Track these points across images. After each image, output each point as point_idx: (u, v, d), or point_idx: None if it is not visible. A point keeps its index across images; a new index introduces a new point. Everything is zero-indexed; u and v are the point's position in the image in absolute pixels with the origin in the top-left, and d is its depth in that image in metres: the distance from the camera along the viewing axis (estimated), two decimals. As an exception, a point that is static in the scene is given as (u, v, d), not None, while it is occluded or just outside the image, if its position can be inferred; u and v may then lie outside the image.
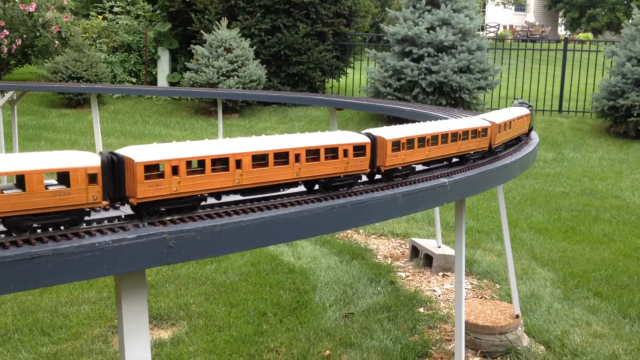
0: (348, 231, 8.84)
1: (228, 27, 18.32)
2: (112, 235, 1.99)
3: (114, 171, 2.15)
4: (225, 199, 2.45)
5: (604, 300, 6.56)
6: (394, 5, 30.41)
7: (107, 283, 6.70)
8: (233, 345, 5.55)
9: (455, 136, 3.37)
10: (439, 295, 6.79)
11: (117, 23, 22.06)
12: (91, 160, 2.08)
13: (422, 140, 3.14)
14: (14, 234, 1.93)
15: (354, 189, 2.83)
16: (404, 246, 8.43)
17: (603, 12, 46.39)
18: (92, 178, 2.05)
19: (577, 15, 47.36)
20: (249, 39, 18.56)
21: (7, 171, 1.91)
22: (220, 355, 5.39)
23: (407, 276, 7.36)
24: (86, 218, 2.10)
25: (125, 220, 2.20)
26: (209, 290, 6.72)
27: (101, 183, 2.08)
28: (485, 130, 3.63)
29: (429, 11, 16.51)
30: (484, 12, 48.46)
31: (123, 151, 2.20)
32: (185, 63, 19.14)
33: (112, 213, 2.27)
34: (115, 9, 22.83)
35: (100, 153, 2.16)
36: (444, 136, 3.29)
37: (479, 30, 19.32)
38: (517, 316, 5.70)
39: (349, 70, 21.58)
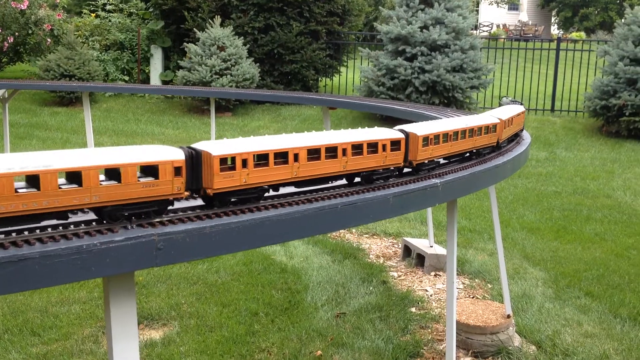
0: (340, 230, 8.84)
1: (221, 25, 18.28)
2: (99, 237, 1.97)
3: (193, 164, 2.34)
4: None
5: (595, 300, 6.58)
6: (387, 4, 30.41)
7: (97, 283, 6.67)
8: (224, 345, 5.53)
9: (472, 132, 3.58)
10: (430, 295, 6.79)
11: (110, 21, 21.99)
12: (177, 154, 2.28)
13: (446, 136, 3.33)
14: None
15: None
16: (396, 246, 8.43)
17: (596, 12, 46.54)
18: (177, 171, 2.26)
19: (570, 15, 47.51)
20: (242, 37, 18.53)
21: (104, 164, 2.10)
22: (212, 355, 5.37)
23: (399, 276, 7.36)
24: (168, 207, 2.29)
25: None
26: (200, 290, 6.70)
27: (185, 175, 2.29)
28: (494, 126, 3.82)
29: (422, 10, 16.52)
30: (477, 11, 48.52)
31: (199, 145, 2.41)
32: (179, 61, 19.09)
33: (184, 204, 2.42)
34: (108, 7, 22.75)
35: (181, 147, 2.35)
36: (463, 132, 3.49)
37: (472, 29, 19.35)
38: (508, 316, 5.71)
39: (343, 69, 21.58)
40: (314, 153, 2.70)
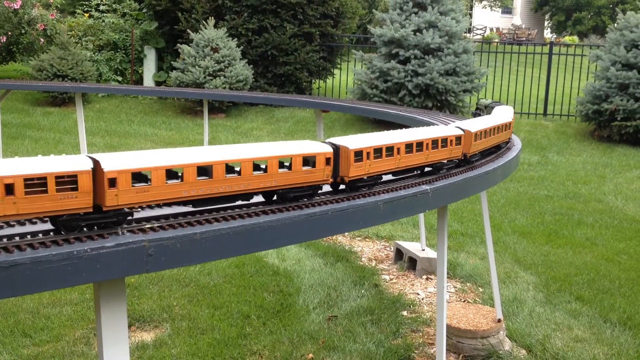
0: (333, 233, 8.83)
1: (215, 26, 18.28)
2: (90, 243, 1.98)
3: (333, 156, 2.82)
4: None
5: (586, 305, 6.61)
6: (380, 6, 30.47)
7: (89, 285, 6.65)
8: (216, 348, 5.54)
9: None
10: (422, 299, 6.81)
11: (104, 21, 21.95)
12: (327, 148, 2.80)
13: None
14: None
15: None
16: (388, 249, 8.45)
17: (589, 16, 46.76)
18: (327, 161, 2.76)
19: (563, 19, 47.72)
20: (236, 38, 18.53)
21: (278, 155, 2.58)
22: (203, 358, 5.38)
23: (391, 279, 7.38)
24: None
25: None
26: (192, 292, 6.70)
27: (332, 165, 2.79)
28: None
29: (415, 14, 16.56)
30: (471, 14, 48.65)
31: (336, 141, 2.90)
32: (172, 62, 19.08)
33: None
34: (102, 7, 22.71)
35: (327, 142, 2.84)
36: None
37: (465, 33, 19.40)
38: (499, 320, 5.74)
39: (336, 71, 21.60)
40: (409, 147, 3.19)
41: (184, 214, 2.37)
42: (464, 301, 6.69)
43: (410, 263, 7.62)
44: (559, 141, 16.09)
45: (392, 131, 3.29)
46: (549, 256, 8.11)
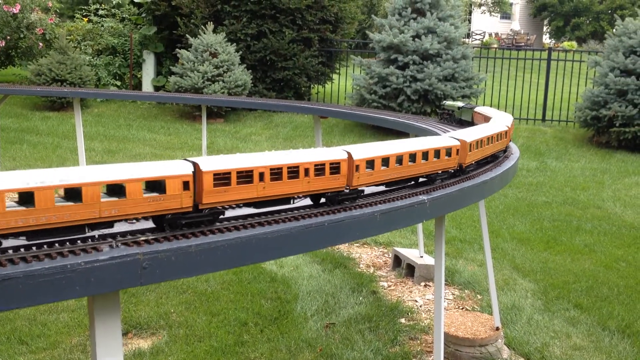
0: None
1: (214, 31, 18.28)
2: (84, 256, 1.97)
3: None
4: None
5: (584, 312, 6.59)
6: (380, 12, 30.50)
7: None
8: (213, 355, 5.52)
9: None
10: (420, 306, 6.79)
11: (102, 26, 21.95)
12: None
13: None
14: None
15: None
16: (386, 255, 8.44)
17: (587, 21, 46.83)
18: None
19: (562, 24, 47.79)
20: (234, 43, 18.53)
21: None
22: (200, 366, 5.36)
23: (389, 286, 7.36)
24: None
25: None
26: (189, 299, 6.68)
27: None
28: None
29: (414, 19, 16.57)
30: (469, 19, 48.71)
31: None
32: (171, 67, 19.07)
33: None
34: (101, 12, 22.72)
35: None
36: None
37: (464, 38, 19.40)
38: (497, 328, 5.72)
39: (335, 77, 21.60)
40: (479, 144, 3.71)
41: (252, 215, 2.60)
42: (462, 309, 6.67)
43: (409, 270, 7.61)
44: (558, 147, 16.09)
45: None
46: (548, 263, 8.10)
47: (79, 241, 2.07)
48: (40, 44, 19.24)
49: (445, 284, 7.20)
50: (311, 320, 6.28)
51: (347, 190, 2.90)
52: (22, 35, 18.80)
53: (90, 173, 2.06)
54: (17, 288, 1.81)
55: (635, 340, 6.00)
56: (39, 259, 1.91)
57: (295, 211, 2.66)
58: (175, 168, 2.32)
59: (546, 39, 50.84)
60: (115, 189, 2.14)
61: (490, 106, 19.17)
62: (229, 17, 19.21)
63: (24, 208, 1.92)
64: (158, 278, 2.08)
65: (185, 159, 2.41)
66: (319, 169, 2.74)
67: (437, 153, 3.37)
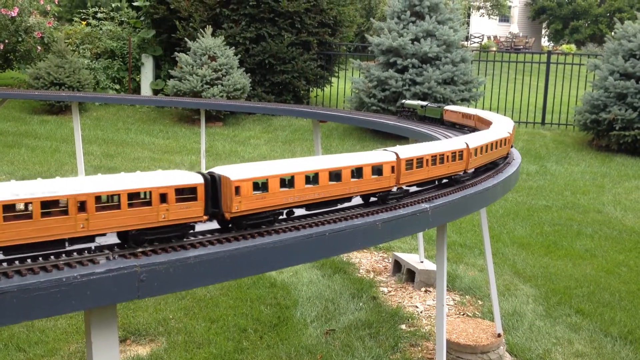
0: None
1: (213, 35, 18.25)
2: (80, 268, 1.92)
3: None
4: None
5: (586, 318, 6.55)
6: (378, 15, 30.49)
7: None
8: (212, 363, 5.46)
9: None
10: (421, 312, 6.74)
11: (101, 29, 21.91)
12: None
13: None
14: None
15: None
16: (386, 260, 8.39)
17: (586, 24, 46.86)
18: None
19: (561, 27, 47.82)
20: (233, 47, 18.49)
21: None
22: (199, 373, 5.30)
23: (390, 291, 7.31)
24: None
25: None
26: (188, 305, 6.63)
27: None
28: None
29: (413, 22, 16.55)
30: (468, 22, 48.73)
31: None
32: (170, 70, 19.02)
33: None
34: (99, 15, 22.68)
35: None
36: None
37: (463, 41, 19.37)
38: (499, 335, 5.67)
39: (334, 80, 21.57)
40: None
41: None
42: (463, 314, 6.62)
43: (409, 275, 7.56)
44: (558, 150, 16.05)
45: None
46: (549, 268, 8.05)
47: (85, 251, 2.04)
48: (39, 47, 19.20)
49: (447, 290, 7.15)
50: (311, 326, 6.23)
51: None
52: (20, 39, 18.75)
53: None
54: (11, 302, 1.76)
55: (638, 347, 5.95)
56: (34, 272, 1.86)
57: (296, 221, 2.61)
58: (384, 156, 3.00)
59: (545, 42, 50.86)
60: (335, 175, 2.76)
61: (490, 109, 19.15)
62: (227, 21, 19.18)
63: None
64: (156, 291, 2.03)
65: (385, 149, 3.09)
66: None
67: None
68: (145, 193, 2.15)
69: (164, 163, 13.72)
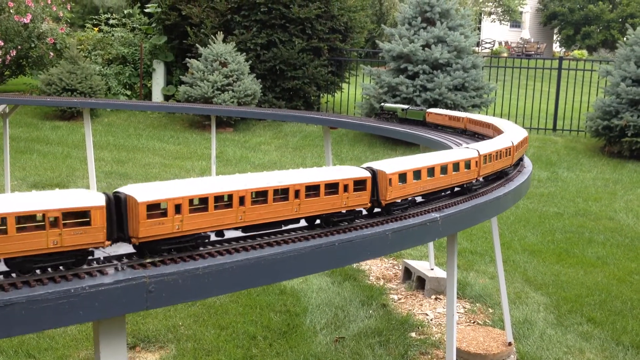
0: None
1: (224, 41, 18.30)
2: (89, 280, 1.92)
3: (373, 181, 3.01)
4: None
5: (598, 327, 6.49)
6: (389, 21, 30.48)
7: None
8: (221, 370, 5.46)
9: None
10: (431, 320, 6.71)
11: (113, 35, 22.03)
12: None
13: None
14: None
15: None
16: (396, 267, 8.36)
17: (598, 30, 46.64)
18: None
19: (572, 33, 47.61)
20: (244, 53, 18.54)
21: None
22: (208, 381, 5.30)
23: (400, 299, 7.28)
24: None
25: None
26: (198, 312, 6.63)
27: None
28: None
29: (424, 29, 16.53)
30: (479, 27, 48.63)
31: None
32: (181, 76, 19.10)
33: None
34: (111, 21, 22.80)
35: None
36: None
37: (474, 46, 19.31)
38: (509, 343, 5.63)
39: (344, 86, 21.58)
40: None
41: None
42: (473, 322, 6.58)
43: (419, 282, 7.53)
44: (569, 157, 15.97)
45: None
46: (560, 276, 8.00)
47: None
48: (51, 53, 19.33)
49: (457, 298, 7.11)
50: (320, 334, 6.21)
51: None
52: (33, 45, 18.89)
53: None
54: (20, 314, 1.77)
55: (650, 356, 5.90)
56: (42, 283, 1.87)
57: (299, 232, 2.59)
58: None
59: (556, 48, 50.67)
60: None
61: (501, 116, 19.07)
62: (238, 27, 19.23)
63: None
64: (164, 302, 2.02)
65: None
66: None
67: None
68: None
69: (174, 169, 13.76)
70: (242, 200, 2.36)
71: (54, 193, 2.01)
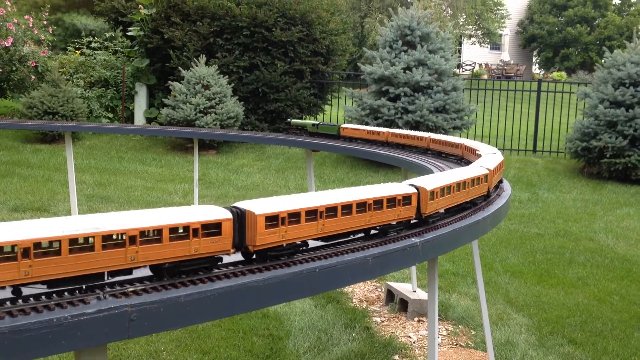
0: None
1: (206, 64, 18.37)
2: (71, 309, 1.93)
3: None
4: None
5: (579, 348, 6.55)
6: (369, 42, 30.75)
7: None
8: (204, 396, 5.43)
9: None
10: (414, 342, 6.72)
11: (95, 58, 22.02)
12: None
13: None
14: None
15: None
16: (379, 289, 8.38)
17: (576, 52, 47.37)
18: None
19: (551, 55, 48.33)
20: (227, 76, 18.61)
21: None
22: (190, 406, 5.27)
23: (383, 321, 7.30)
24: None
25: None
26: (180, 336, 6.60)
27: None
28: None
29: (405, 52, 16.71)
30: (460, 50, 49.18)
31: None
32: (163, 99, 19.11)
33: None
34: (93, 44, 22.81)
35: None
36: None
37: (455, 68, 19.53)
38: (491, 365, 5.66)
39: (327, 108, 21.69)
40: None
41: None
42: (456, 345, 6.61)
43: (402, 305, 7.55)
44: (549, 178, 16.14)
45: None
46: (541, 297, 8.06)
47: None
48: (33, 76, 19.28)
49: (439, 319, 7.14)
50: (304, 357, 6.20)
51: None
52: (14, 68, 18.83)
53: None
54: (2, 344, 1.77)
55: (630, 377, 5.95)
56: (25, 313, 1.87)
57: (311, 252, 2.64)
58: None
59: (536, 70, 51.34)
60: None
61: (481, 137, 19.22)
62: (221, 50, 19.32)
63: None
64: (146, 330, 2.04)
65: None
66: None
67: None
68: None
69: (157, 192, 13.72)
70: (321, 215, 2.74)
71: (191, 209, 2.40)
